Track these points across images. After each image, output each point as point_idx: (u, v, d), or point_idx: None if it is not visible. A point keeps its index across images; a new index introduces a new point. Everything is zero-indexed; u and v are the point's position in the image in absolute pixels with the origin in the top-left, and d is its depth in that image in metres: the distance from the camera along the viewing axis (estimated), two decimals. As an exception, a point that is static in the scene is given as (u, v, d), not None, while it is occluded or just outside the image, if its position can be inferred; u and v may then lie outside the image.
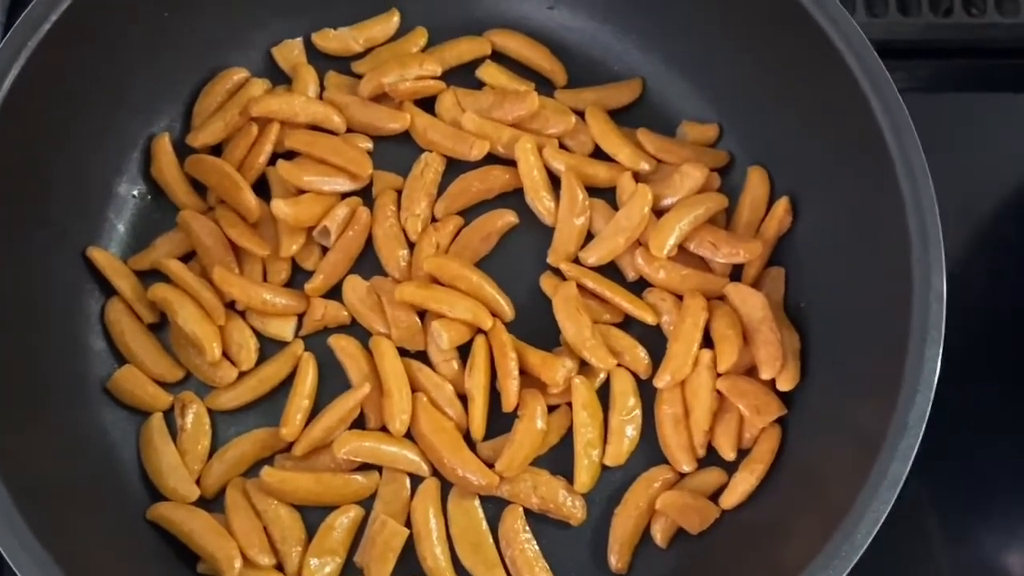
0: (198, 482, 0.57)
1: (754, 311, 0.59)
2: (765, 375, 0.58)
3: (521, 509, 0.57)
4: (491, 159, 0.64)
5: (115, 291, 0.60)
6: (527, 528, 0.57)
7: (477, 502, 0.57)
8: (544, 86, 0.66)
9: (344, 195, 0.62)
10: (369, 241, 0.62)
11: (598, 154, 0.64)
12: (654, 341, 0.60)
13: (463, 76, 0.66)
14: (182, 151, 0.63)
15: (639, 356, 0.60)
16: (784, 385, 0.58)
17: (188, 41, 0.63)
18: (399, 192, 0.63)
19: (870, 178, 0.55)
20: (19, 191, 0.55)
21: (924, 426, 0.50)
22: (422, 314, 0.60)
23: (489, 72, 0.66)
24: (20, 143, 0.54)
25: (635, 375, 0.60)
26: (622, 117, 0.65)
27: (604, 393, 0.59)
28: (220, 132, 0.62)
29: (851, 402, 0.55)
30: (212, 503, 0.57)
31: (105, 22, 0.57)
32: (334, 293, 0.61)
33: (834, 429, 0.56)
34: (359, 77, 0.65)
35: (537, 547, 0.57)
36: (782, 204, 0.61)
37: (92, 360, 0.59)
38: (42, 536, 0.48)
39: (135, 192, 0.63)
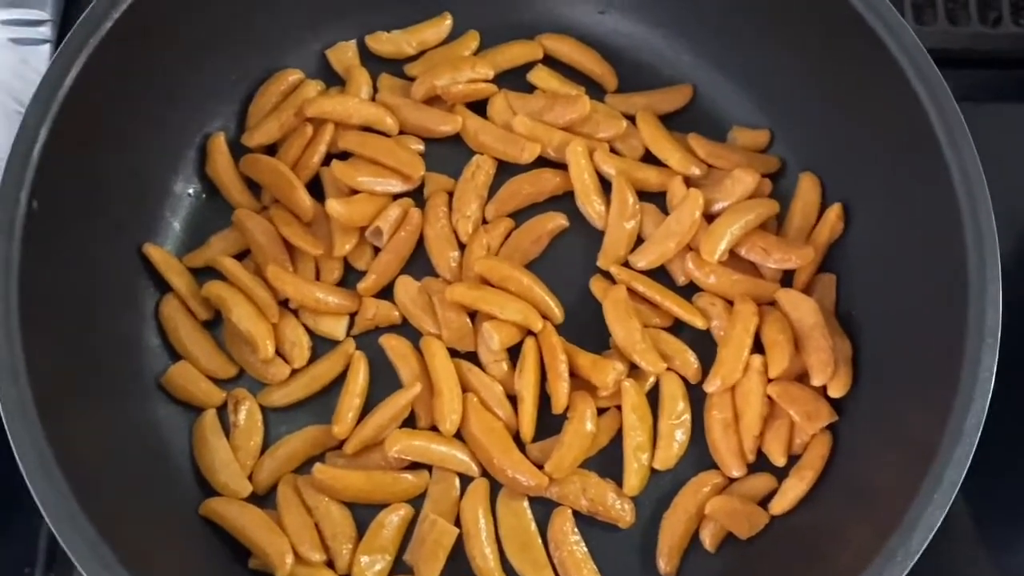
0: (250, 478, 0.58)
1: (806, 317, 0.59)
2: (816, 381, 0.57)
3: (570, 511, 0.57)
4: (542, 162, 0.64)
5: (170, 288, 0.61)
6: (576, 530, 0.57)
7: (526, 503, 0.57)
8: (594, 90, 0.66)
9: (396, 196, 0.63)
10: (420, 242, 0.62)
11: (648, 158, 0.64)
12: (704, 345, 0.60)
13: (514, 80, 0.66)
14: (237, 150, 0.63)
15: (689, 360, 0.60)
16: (835, 391, 0.58)
17: (244, 42, 0.64)
18: (450, 194, 0.63)
19: (925, 185, 0.55)
20: (77, 188, 0.56)
21: (980, 432, 0.50)
22: (472, 315, 0.60)
23: (540, 76, 0.66)
24: (79, 141, 0.55)
25: (684, 379, 0.60)
26: (673, 122, 0.65)
27: (653, 397, 0.59)
28: (275, 132, 0.63)
29: (903, 408, 0.55)
30: (263, 499, 0.58)
31: (163, 22, 0.58)
32: (385, 293, 0.62)
33: (886, 435, 0.56)
34: (411, 79, 0.66)
35: (586, 549, 0.57)
36: (834, 210, 0.61)
37: (147, 356, 0.60)
38: (99, 528, 0.48)
39: (190, 190, 0.63)
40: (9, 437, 0.49)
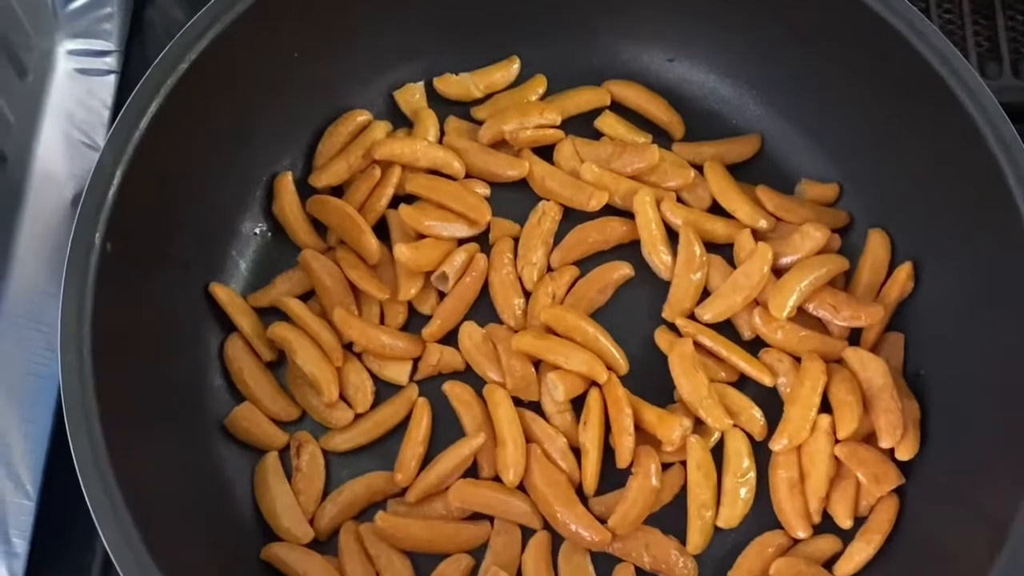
0: (311, 522, 0.57)
1: (875, 377, 0.58)
2: (885, 443, 0.57)
3: (632, 567, 0.57)
4: (608, 210, 0.64)
5: (235, 328, 0.60)
6: (638, 587, 0.57)
7: (588, 558, 0.57)
8: (661, 138, 0.66)
9: (462, 241, 0.63)
10: (485, 288, 0.62)
11: (716, 209, 0.64)
12: (769, 402, 0.60)
13: (581, 125, 0.66)
14: (304, 190, 0.63)
15: (755, 417, 0.59)
16: (903, 455, 0.57)
17: (313, 82, 0.64)
18: (516, 240, 0.63)
19: (999, 247, 0.55)
20: (149, 228, 0.56)
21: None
22: (537, 364, 0.60)
23: (607, 123, 0.66)
24: (152, 182, 0.55)
25: (750, 436, 0.59)
26: (740, 172, 0.65)
27: (717, 452, 0.59)
28: (343, 174, 0.63)
29: (973, 478, 0.55)
30: (325, 545, 0.57)
31: (236, 63, 0.58)
32: (449, 339, 0.61)
33: (955, 504, 0.55)
34: (478, 122, 0.66)
35: (648, 606, 0.56)
36: (905, 269, 0.60)
37: (211, 396, 0.60)
38: (161, 567, 0.48)
39: (257, 230, 0.63)
40: (78, 474, 0.49)
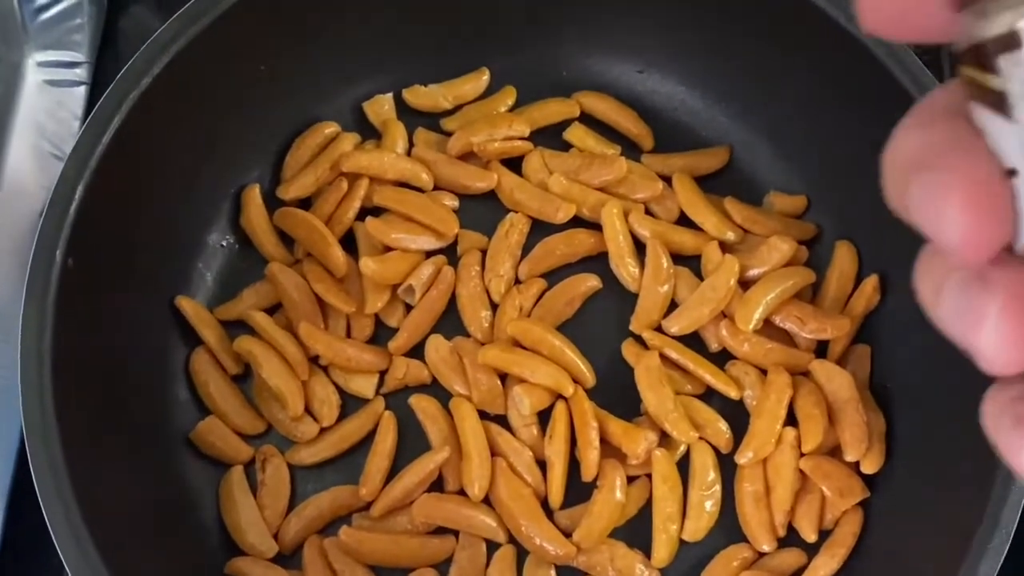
0: (276, 537, 0.57)
1: (840, 390, 0.58)
2: (850, 457, 0.57)
3: (597, 581, 0.57)
4: (576, 222, 0.64)
5: (201, 341, 0.60)
6: (602, 600, 0.57)
7: (553, 571, 0.57)
8: (631, 150, 0.66)
9: (429, 253, 0.62)
10: (453, 300, 0.62)
11: (684, 220, 0.64)
12: (735, 414, 0.60)
13: (550, 137, 0.66)
14: (272, 202, 0.63)
15: (720, 430, 0.59)
16: (868, 468, 0.57)
17: (281, 94, 0.63)
18: (484, 252, 0.63)
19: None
20: (112, 243, 0.56)
21: (1016, 523, 0.49)
22: (503, 377, 0.60)
23: (576, 134, 0.66)
24: (115, 197, 0.55)
25: (716, 448, 0.59)
26: (709, 184, 0.65)
27: (683, 465, 0.59)
28: (311, 186, 0.63)
29: (938, 490, 0.55)
30: (289, 559, 0.57)
31: (203, 76, 0.58)
32: (416, 352, 0.61)
33: (920, 516, 0.55)
34: (448, 134, 0.65)
35: (612, 620, 0.56)
36: (871, 282, 0.60)
37: (176, 409, 0.60)
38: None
39: (224, 242, 0.63)
40: (36, 489, 0.49)
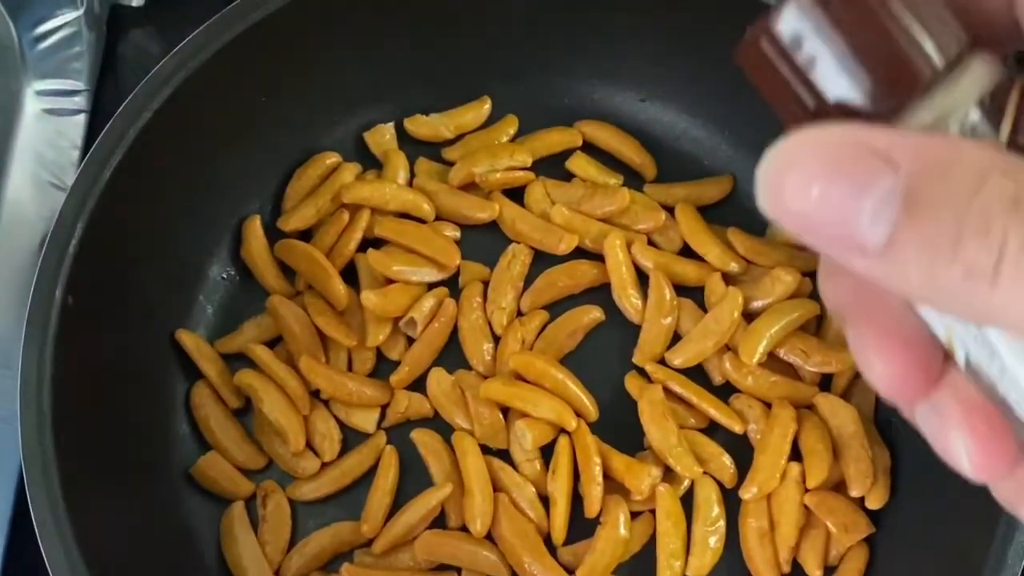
0: (277, 574, 0.57)
1: (845, 425, 0.58)
2: (854, 492, 0.57)
3: (601, 618, 0.56)
4: (578, 253, 0.63)
5: (201, 375, 0.60)
6: (606, 638, 0.56)
7: (556, 608, 0.57)
8: (633, 178, 0.66)
9: (431, 285, 0.62)
10: (455, 333, 0.62)
11: (687, 251, 0.64)
12: (739, 449, 0.59)
13: (552, 166, 0.66)
14: (273, 234, 0.63)
15: (725, 464, 0.59)
16: (873, 504, 0.57)
17: (281, 125, 0.63)
18: (485, 283, 0.63)
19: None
20: (112, 279, 0.56)
21: (1023, 562, 0.49)
22: (506, 410, 0.60)
23: (579, 164, 0.65)
24: (116, 232, 0.55)
25: (720, 483, 0.59)
26: (712, 213, 0.65)
27: (687, 499, 0.59)
28: (311, 218, 0.62)
29: (944, 527, 0.54)
30: (290, 597, 0.57)
31: (203, 109, 0.58)
32: (418, 385, 0.61)
33: (926, 551, 0.55)
34: (449, 163, 0.65)
35: (616, 658, 0.56)
36: (875, 314, 0.60)
37: (176, 444, 0.59)
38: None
39: (224, 274, 0.63)
40: (35, 525, 0.49)
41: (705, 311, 0.61)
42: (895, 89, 0.22)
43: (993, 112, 0.23)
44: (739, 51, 0.24)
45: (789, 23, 0.22)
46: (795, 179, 0.21)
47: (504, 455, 0.59)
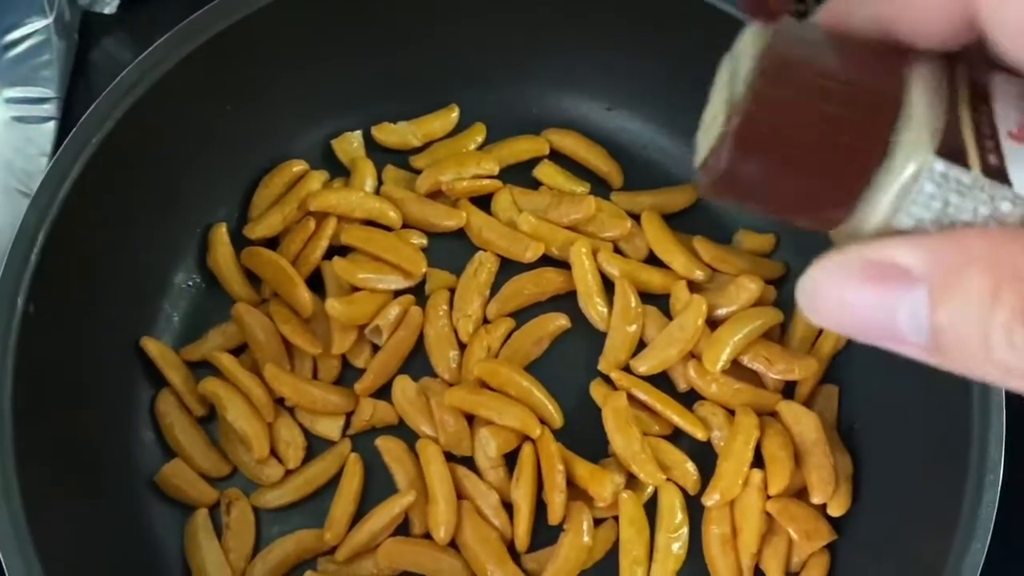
0: (241, 582, 0.57)
1: (807, 432, 0.58)
2: (816, 499, 0.57)
3: (563, 625, 0.56)
4: (545, 260, 0.63)
5: (166, 382, 0.60)
6: (569, 645, 0.56)
7: (519, 615, 0.57)
8: (600, 186, 0.66)
9: (397, 293, 0.62)
10: (420, 340, 0.62)
11: (653, 259, 0.64)
12: (703, 455, 0.60)
13: (519, 174, 0.66)
14: (239, 242, 0.63)
15: (688, 471, 0.59)
16: (835, 511, 0.57)
17: (248, 132, 0.63)
18: (452, 291, 0.63)
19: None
20: (76, 287, 0.56)
21: (980, 570, 0.49)
22: (471, 418, 0.60)
23: (546, 172, 0.66)
24: (79, 240, 0.55)
25: (684, 490, 0.59)
26: (678, 221, 0.65)
27: (651, 506, 0.59)
28: (278, 225, 0.62)
29: (905, 532, 0.55)
30: (253, 604, 0.57)
31: (168, 117, 0.58)
32: (383, 392, 0.61)
33: (887, 558, 0.55)
34: (417, 171, 0.65)
35: (579, 665, 0.56)
36: (838, 322, 0.60)
37: (140, 451, 0.59)
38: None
39: (190, 282, 0.63)
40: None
41: (670, 318, 0.62)
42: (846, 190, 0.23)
43: (954, 151, 0.23)
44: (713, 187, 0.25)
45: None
46: (834, 308, 0.24)
47: (468, 462, 0.59)
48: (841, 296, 0.24)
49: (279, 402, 0.60)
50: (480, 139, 0.66)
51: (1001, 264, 0.22)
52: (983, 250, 0.22)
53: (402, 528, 0.58)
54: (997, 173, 0.23)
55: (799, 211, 0.24)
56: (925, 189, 0.23)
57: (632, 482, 0.59)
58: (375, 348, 0.62)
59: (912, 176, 0.23)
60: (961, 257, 0.22)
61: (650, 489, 0.59)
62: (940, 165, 0.23)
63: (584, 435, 0.60)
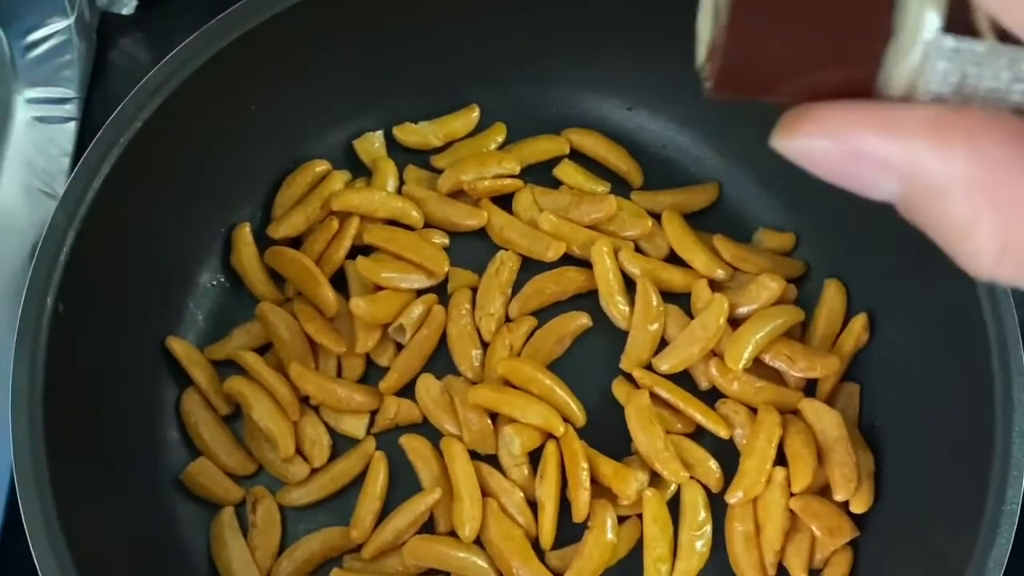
0: (267, 579, 0.58)
1: (830, 430, 0.58)
2: (839, 496, 0.57)
3: (588, 622, 0.57)
4: (566, 259, 0.64)
5: (191, 381, 0.60)
6: (594, 641, 0.57)
7: (544, 612, 0.57)
8: (620, 186, 0.66)
9: (420, 292, 0.63)
10: (443, 339, 0.62)
11: (674, 258, 0.64)
12: (726, 453, 0.60)
13: (540, 173, 0.66)
14: (263, 241, 0.63)
15: (711, 469, 0.59)
16: (858, 508, 0.57)
17: (271, 133, 0.63)
18: (474, 290, 0.63)
19: (953, 298, 0.55)
20: (103, 287, 0.56)
21: (1004, 567, 0.50)
22: (494, 416, 0.60)
23: (566, 171, 0.66)
24: (107, 241, 0.55)
25: (706, 488, 0.59)
26: (698, 220, 0.65)
27: (674, 504, 0.59)
28: (301, 225, 0.63)
29: (928, 530, 0.55)
30: (280, 602, 0.57)
31: (192, 118, 0.58)
32: (407, 391, 0.61)
33: (909, 555, 0.55)
34: (438, 171, 0.66)
35: (604, 661, 0.56)
36: (859, 320, 0.61)
37: (166, 450, 0.60)
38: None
39: (214, 281, 0.63)
40: (26, 532, 0.49)
41: (691, 317, 0.62)
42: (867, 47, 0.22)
43: (962, 23, 0.22)
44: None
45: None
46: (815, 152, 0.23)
47: (492, 460, 0.60)
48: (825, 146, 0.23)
49: (304, 401, 0.60)
50: (501, 139, 0.67)
51: (978, 200, 0.22)
52: (960, 172, 0.22)
53: (427, 526, 0.58)
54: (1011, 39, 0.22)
55: (809, 85, 0.23)
56: (938, 67, 0.22)
57: (655, 480, 0.59)
58: (399, 347, 0.62)
59: (920, 60, 0.22)
60: (940, 181, 0.22)
61: (673, 487, 0.59)
62: (950, 42, 0.22)
63: (607, 433, 0.60)
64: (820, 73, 0.23)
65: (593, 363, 0.63)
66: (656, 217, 0.65)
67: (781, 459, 0.59)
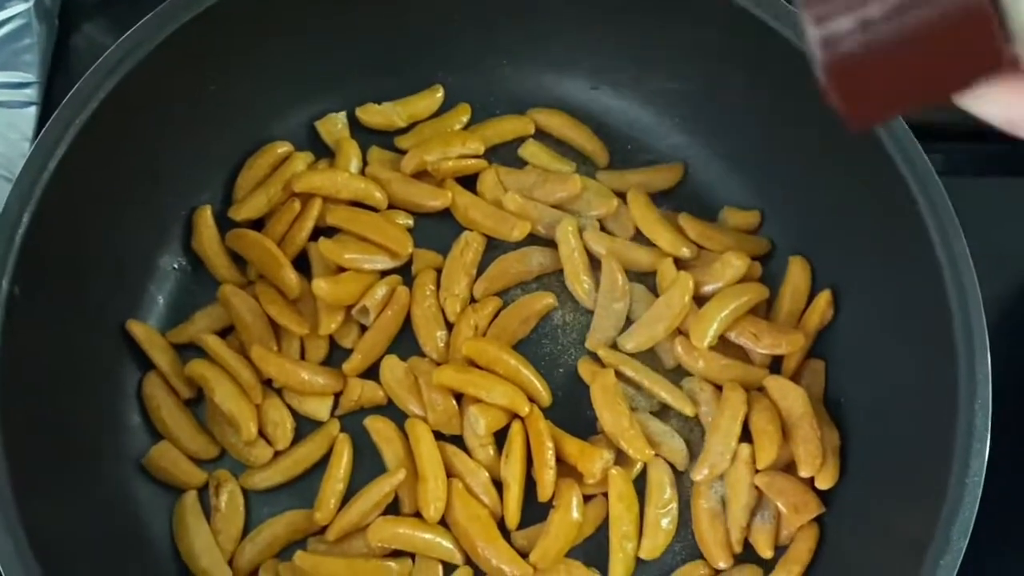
0: (230, 563, 0.57)
1: (794, 406, 0.58)
2: (804, 473, 0.57)
3: (554, 601, 0.57)
4: (531, 239, 0.63)
5: (153, 365, 0.60)
6: (560, 621, 0.56)
7: (510, 592, 0.57)
8: (586, 166, 0.66)
9: (384, 273, 0.62)
10: (408, 320, 0.62)
11: (639, 237, 0.64)
12: (691, 430, 0.60)
13: (505, 154, 0.66)
14: (224, 224, 0.63)
15: (676, 447, 0.59)
16: (823, 483, 0.57)
17: (232, 114, 0.63)
18: (438, 271, 0.63)
19: (914, 274, 0.55)
20: (61, 269, 0.55)
21: (968, 538, 0.50)
22: (459, 397, 0.60)
23: (531, 151, 0.66)
24: (64, 222, 0.54)
25: (672, 466, 0.59)
26: (663, 200, 0.65)
27: (640, 482, 0.59)
28: (263, 207, 0.62)
29: (892, 504, 0.55)
30: (244, 585, 0.57)
31: (151, 97, 0.57)
32: (371, 373, 0.61)
33: (875, 530, 0.55)
34: (402, 152, 0.65)
35: (570, 640, 0.56)
36: (824, 297, 0.60)
37: (128, 435, 0.59)
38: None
39: (175, 264, 0.63)
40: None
41: (657, 296, 0.62)
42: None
43: None
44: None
45: None
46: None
47: (458, 441, 0.59)
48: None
49: (267, 383, 0.60)
50: (465, 119, 0.66)
51: None
52: None
53: (392, 507, 0.58)
54: None
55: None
56: None
57: (621, 458, 0.59)
58: (362, 328, 0.62)
59: None
60: None
61: (639, 465, 0.59)
62: None
63: (573, 412, 0.60)
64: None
65: (558, 343, 0.63)
66: (622, 196, 0.64)
67: (747, 436, 0.59)
